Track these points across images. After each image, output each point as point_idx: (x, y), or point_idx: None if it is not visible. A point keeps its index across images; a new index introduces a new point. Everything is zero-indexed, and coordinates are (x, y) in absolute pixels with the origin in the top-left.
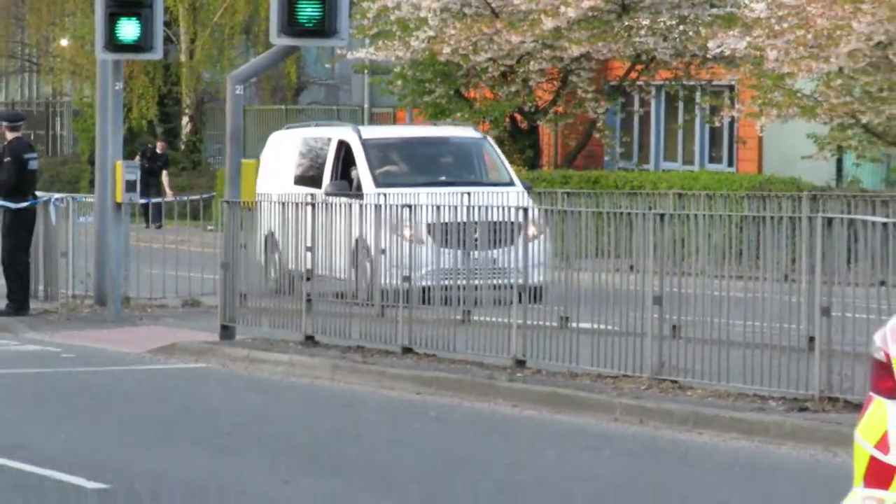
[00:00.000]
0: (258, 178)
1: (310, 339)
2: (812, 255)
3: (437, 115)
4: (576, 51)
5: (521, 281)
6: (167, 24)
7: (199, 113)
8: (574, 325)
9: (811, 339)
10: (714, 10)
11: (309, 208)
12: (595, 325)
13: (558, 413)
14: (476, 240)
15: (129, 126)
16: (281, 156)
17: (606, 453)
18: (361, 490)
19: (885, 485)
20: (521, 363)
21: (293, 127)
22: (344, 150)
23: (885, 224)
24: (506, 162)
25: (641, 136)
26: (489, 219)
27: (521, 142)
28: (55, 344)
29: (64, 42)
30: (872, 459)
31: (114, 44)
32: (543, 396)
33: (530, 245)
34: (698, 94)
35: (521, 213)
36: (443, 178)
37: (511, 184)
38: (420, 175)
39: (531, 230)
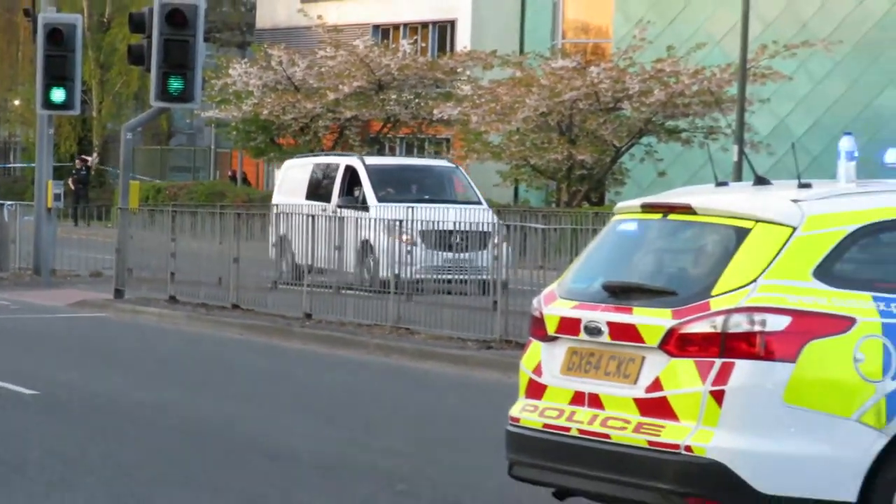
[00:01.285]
0: (274, 193)
1: (172, 299)
2: (498, 248)
3: (259, 155)
4: (348, 114)
5: (493, 276)
6: (84, 91)
7: (105, 150)
8: (343, 291)
9: (495, 303)
10: (438, 90)
11: (321, 218)
12: (357, 292)
13: (333, 349)
14: (456, 244)
15: (58, 158)
16: (295, 177)
17: (364, 375)
18: (198, 396)
19: (538, 396)
20: (308, 316)
21: (303, 156)
22: (350, 173)
23: (543, 230)
24: (474, 185)
25: None
26: (466, 229)
27: None
28: (5, 299)
29: (17, 102)
30: (530, 380)
31: (48, 104)
32: (323, 338)
33: (497, 249)
34: (427, 143)
35: (491, 225)
36: (427, 196)
37: (479, 202)
38: (410, 194)
39: (497, 238)
